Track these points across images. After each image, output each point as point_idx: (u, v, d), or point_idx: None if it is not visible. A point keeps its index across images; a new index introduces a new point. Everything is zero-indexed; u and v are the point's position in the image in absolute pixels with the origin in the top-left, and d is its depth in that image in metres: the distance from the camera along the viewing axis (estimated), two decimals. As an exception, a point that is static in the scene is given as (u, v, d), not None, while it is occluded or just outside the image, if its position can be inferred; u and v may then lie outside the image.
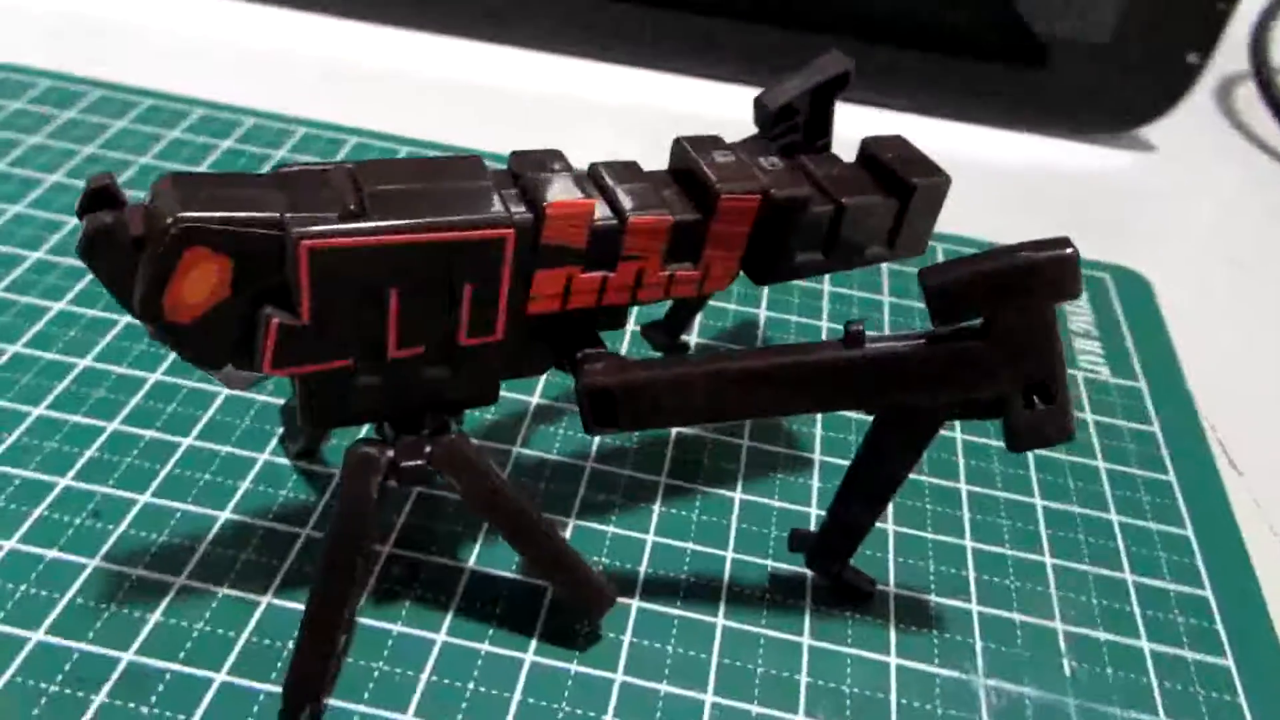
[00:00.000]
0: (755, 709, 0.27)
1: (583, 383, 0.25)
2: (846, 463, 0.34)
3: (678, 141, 0.27)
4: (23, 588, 0.28)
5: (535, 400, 0.35)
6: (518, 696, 0.27)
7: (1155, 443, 0.37)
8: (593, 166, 0.26)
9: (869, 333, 0.25)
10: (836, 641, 0.29)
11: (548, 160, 0.25)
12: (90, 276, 0.37)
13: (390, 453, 0.25)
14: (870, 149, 0.28)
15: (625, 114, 0.53)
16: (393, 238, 0.22)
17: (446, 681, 0.27)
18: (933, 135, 0.54)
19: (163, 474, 0.31)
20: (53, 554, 0.29)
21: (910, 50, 0.54)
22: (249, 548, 0.29)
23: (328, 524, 0.25)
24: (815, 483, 0.34)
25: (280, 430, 0.33)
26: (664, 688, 0.27)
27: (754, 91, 0.30)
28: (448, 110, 0.51)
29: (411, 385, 0.25)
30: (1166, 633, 0.30)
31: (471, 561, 0.30)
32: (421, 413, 0.26)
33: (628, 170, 0.26)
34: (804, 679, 0.28)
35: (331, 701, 0.26)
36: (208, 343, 0.22)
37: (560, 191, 0.24)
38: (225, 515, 0.30)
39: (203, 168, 0.44)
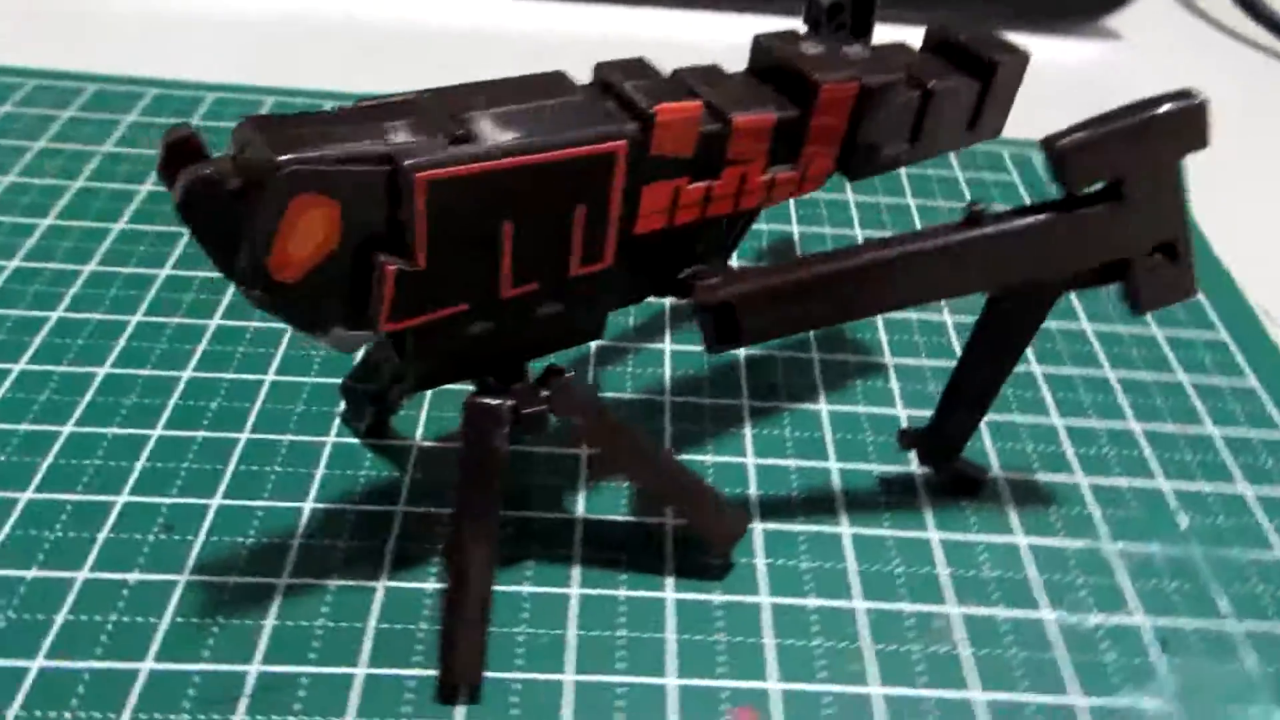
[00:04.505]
0: (908, 607, 0.27)
1: (701, 299, 0.24)
2: (918, 363, 0.34)
3: (757, 39, 0.25)
4: (113, 618, 0.25)
5: (594, 343, 0.34)
6: (672, 635, 0.26)
7: (1200, 309, 0.38)
8: (676, 72, 0.24)
9: (988, 212, 0.24)
10: (963, 532, 0.29)
11: (637, 68, 0.23)
12: (82, 282, 0.35)
13: (511, 401, 0.24)
14: (942, 34, 0.27)
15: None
16: (508, 161, 0.20)
17: (595, 633, 0.26)
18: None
19: (228, 473, 0.29)
20: (134, 576, 0.26)
21: None
22: (345, 534, 0.27)
23: (455, 490, 0.24)
24: (894, 385, 0.33)
25: (341, 409, 0.31)
26: (812, 601, 0.27)
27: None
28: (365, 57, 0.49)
29: (522, 328, 0.23)
30: (1261, 476, 0.31)
31: (580, 511, 0.28)
32: (522, 361, 0.24)
33: (713, 73, 0.24)
34: (943, 572, 0.28)
35: (487, 674, 0.25)
36: (316, 302, 0.20)
37: (665, 96, 0.22)
38: (309, 506, 0.28)
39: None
